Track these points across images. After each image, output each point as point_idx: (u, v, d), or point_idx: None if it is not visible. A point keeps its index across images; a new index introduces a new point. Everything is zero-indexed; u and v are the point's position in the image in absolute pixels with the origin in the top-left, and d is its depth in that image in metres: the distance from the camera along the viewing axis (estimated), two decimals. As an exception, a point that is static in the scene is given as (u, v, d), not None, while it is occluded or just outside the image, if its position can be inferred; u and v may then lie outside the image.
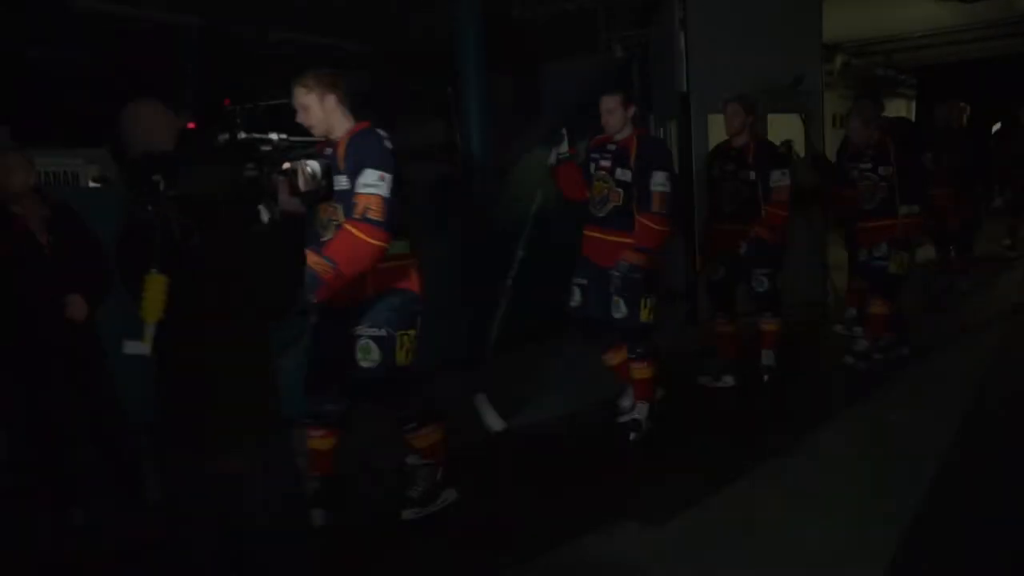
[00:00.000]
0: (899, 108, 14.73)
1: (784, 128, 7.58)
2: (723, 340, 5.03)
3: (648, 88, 7.97)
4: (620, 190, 4.10)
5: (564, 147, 4.26)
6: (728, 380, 4.95)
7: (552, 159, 4.32)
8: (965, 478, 3.45)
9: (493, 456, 4.08)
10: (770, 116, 6.96)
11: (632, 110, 4.15)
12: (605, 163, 4.17)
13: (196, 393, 1.93)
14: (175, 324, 1.83)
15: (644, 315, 4.05)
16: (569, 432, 4.42)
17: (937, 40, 11.80)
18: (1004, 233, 8.73)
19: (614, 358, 4.37)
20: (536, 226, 4.75)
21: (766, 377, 4.94)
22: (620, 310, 4.06)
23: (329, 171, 2.34)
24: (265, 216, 1.93)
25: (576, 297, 4.25)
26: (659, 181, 3.97)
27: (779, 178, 4.68)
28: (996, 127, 8.62)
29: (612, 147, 4.17)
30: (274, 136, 2.14)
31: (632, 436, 4.15)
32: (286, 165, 2.15)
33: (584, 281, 4.23)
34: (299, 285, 2.19)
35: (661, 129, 7.80)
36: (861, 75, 13.46)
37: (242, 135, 2.06)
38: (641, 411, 4.21)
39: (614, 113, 4.09)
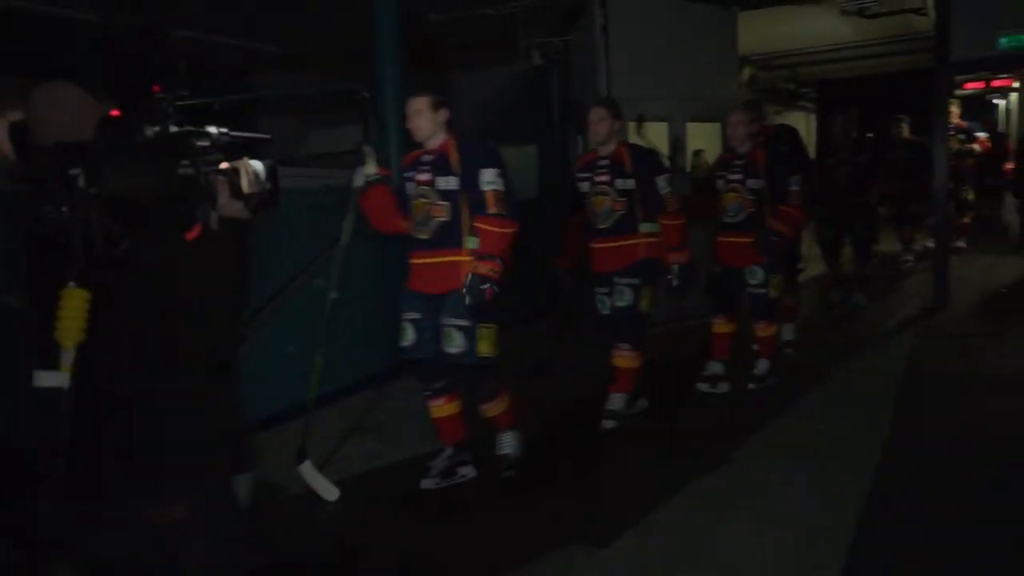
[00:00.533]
0: (798, 120, 15.25)
1: (703, 137, 7.72)
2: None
3: (568, 95, 7.92)
4: (445, 203, 3.53)
5: (371, 167, 3.62)
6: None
7: (358, 182, 3.65)
8: (903, 484, 3.46)
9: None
10: (689, 125, 7.06)
11: (444, 113, 3.57)
12: (423, 176, 3.58)
13: (123, 430, 1.64)
14: (98, 348, 1.54)
15: (483, 348, 3.51)
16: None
17: (839, 55, 12.26)
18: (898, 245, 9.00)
19: (444, 408, 3.75)
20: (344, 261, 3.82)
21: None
22: (454, 343, 3.50)
23: (275, 172, 2.10)
24: (213, 222, 1.67)
25: (409, 335, 3.63)
26: (488, 179, 3.47)
27: (664, 186, 4.25)
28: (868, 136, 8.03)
29: (428, 158, 3.60)
30: (213, 130, 1.86)
31: (506, 474, 3.80)
32: (224, 164, 1.89)
33: (416, 316, 3.62)
34: (245, 301, 1.93)
35: (580, 137, 7.77)
36: (767, 87, 13.90)
37: (174, 128, 1.80)
38: (509, 444, 3.86)
39: (422, 115, 3.54)
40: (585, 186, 4.38)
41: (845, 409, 4.51)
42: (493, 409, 3.77)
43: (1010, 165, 10.05)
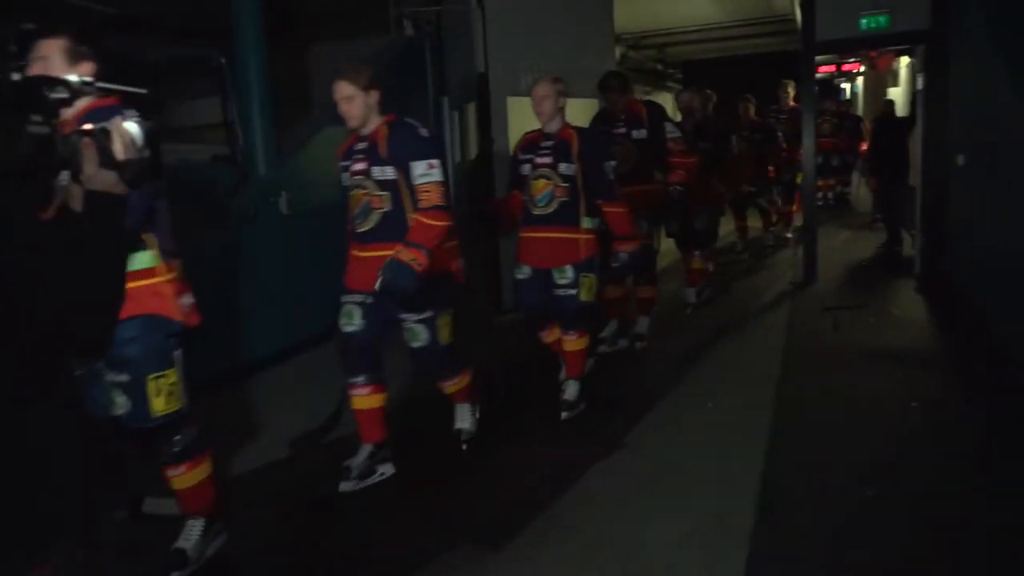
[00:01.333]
0: (666, 100, 15.59)
1: (582, 115, 7.59)
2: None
3: (442, 69, 7.61)
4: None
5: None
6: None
7: None
8: (795, 463, 3.44)
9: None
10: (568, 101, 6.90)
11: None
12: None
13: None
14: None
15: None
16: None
17: (705, 36, 12.58)
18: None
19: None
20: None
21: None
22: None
23: (156, 138, 1.71)
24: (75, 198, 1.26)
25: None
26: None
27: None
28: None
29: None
30: (73, 77, 1.44)
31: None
32: (88, 126, 1.47)
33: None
34: (117, 303, 1.53)
35: (456, 113, 7.49)
36: (636, 67, 14.08)
37: (18, 76, 1.37)
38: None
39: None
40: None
41: (732, 385, 4.51)
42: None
43: (865, 145, 10.57)
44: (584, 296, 4.00)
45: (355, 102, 3.26)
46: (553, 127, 4.05)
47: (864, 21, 6.45)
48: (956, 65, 6.17)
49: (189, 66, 5.58)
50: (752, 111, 8.65)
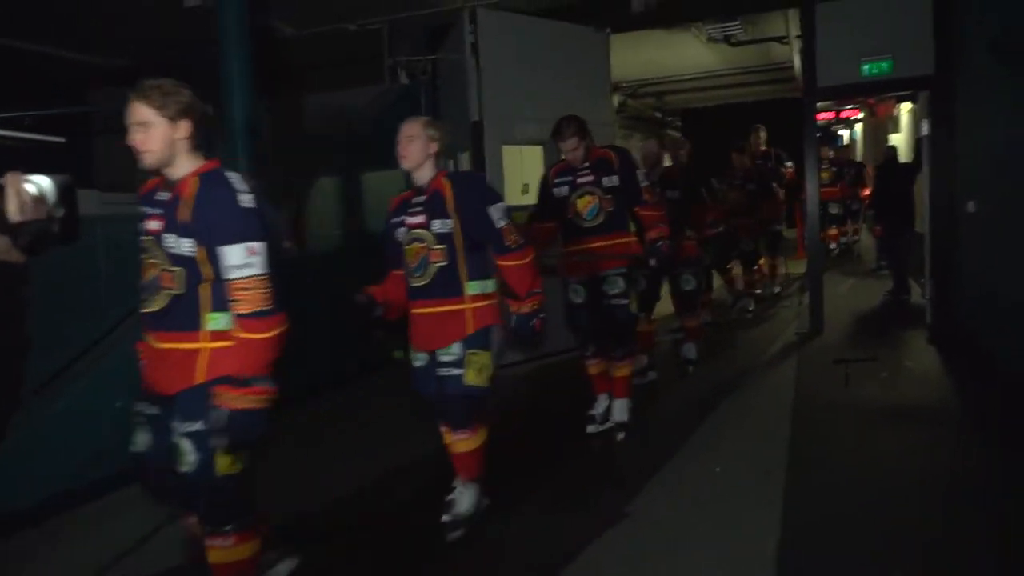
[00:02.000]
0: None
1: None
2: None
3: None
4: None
5: None
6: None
7: None
8: (811, 531, 3.17)
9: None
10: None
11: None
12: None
13: None
14: None
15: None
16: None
17: (703, 84, 12.52)
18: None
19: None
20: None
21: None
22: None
23: (71, 192, 1.49)
24: None
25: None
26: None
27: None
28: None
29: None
30: None
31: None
32: None
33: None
34: (19, 364, 1.31)
35: (451, 162, 7.35)
36: (635, 115, 14.06)
37: None
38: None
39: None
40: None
41: (740, 446, 4.25)
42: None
43: (867, 191, 10.43)
44: (472, 379, 3.20)
45: (152, 132, 2.37)
46: (423, 177, 3.25)
47: (866, 67, 6.34)
48: (963, 110, 6.03)
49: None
50: (746, 160, 8.23)
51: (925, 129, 6.38)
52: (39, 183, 1.44)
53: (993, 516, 3.22)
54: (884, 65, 6.30)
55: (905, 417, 4.50)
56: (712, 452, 4.17)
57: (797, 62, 9.91)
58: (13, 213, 1.38)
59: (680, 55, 10.37)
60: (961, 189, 6.05)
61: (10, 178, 1.36)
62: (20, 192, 1.40)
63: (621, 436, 4.47)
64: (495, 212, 3.20)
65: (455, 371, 3.22)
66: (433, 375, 3.30)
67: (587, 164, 4.39)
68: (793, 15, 7.89)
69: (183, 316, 2.42)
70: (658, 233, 4.41)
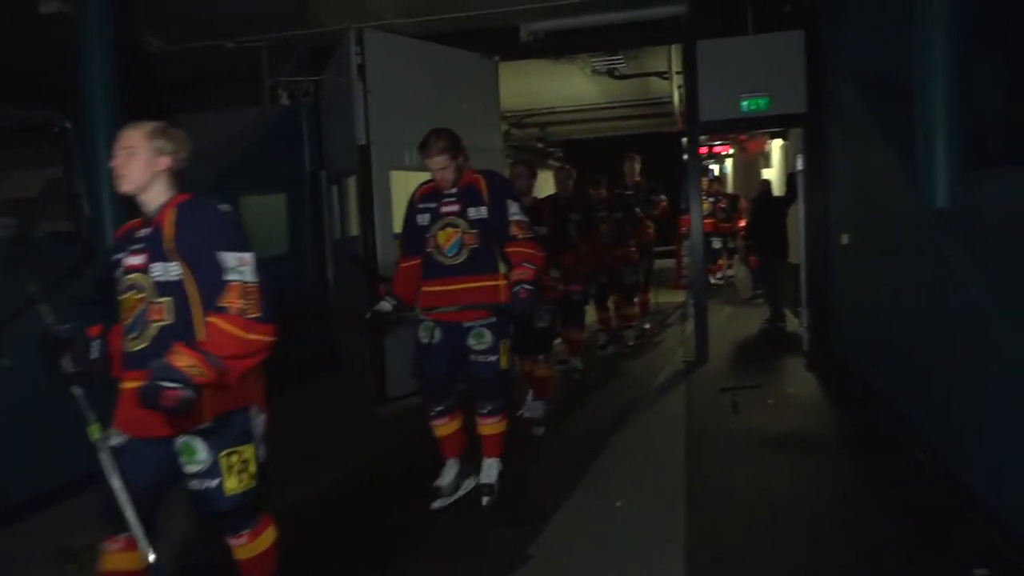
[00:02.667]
0: (548, 178, 15.78)
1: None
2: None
3: (320, 141, 7.22)
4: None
5: None
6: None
7: None
8: (714, 564, 3.11)
9: None
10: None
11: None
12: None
13: None
14: None
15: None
16: None
17: (584, 116, 12.79)
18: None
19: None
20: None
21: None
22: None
23: None
24: None
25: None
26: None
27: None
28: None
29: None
30: None
31: None
32: None
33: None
34: None
35: (335, 187, 7.08)
36: (519, 145, 14.17)
37: None
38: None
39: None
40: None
41: (637, 478, 4.19)
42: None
43: (742, 222, 10.85)
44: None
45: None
46: (150, 203, 2.45)
47: (745, 103, 6.56)
48: (834, 146, 6.33)
49: (27, 131, 4.94)
50: (602, 191, 7.71)
51: (800, 164, 6.66)
52: None
53: (892, 541, 3.27)
54: (762, 102, 6.54)
55: (793, 445, 4.58)
56: (610, 486, 4.09)
57: (676, 97, 10.26)
58: None
59: (565, 86, 10.52)
60: (833, 221, 6.34)
61: None
62: None
63: (486, 501, 3.86)
64: (228, 259, 2.33)
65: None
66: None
67: (455, 190, 3.80)
68: (675, 51, 8.12)
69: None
70: (519, 275, 3.65)
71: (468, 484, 4.02)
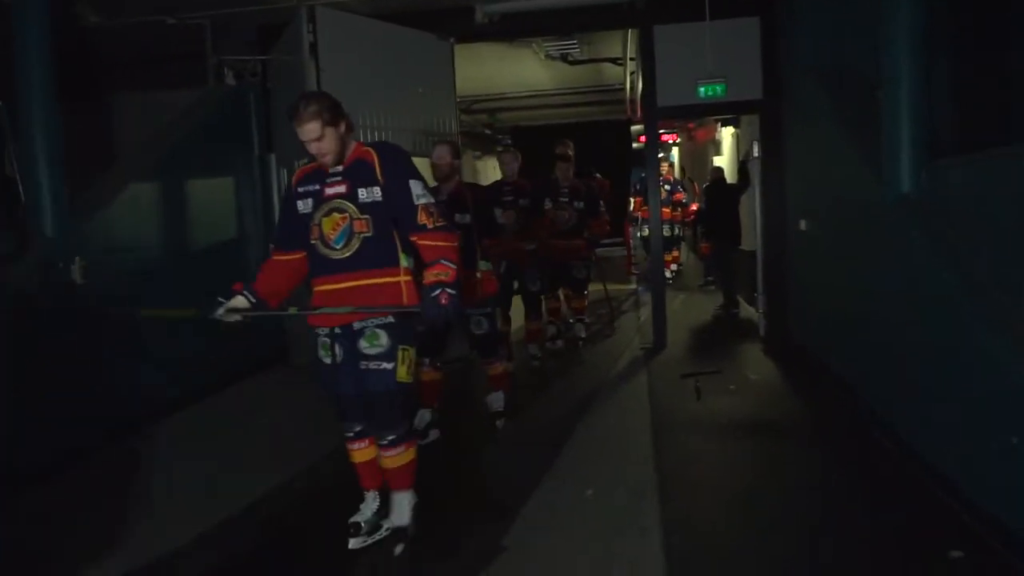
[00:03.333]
0: (495, 165, 15.68)
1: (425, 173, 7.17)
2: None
3: (268, 124, 6.95)
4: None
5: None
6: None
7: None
8: (693, 557, 3.07)
9: None
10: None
11: None
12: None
13: None
14: None
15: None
16: None
17: (535, 102, 12.69)
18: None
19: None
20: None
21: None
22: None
23: None
24: None
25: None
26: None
27: None
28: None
29: (339, 168, 3.16)
30: None
31: None
32: None
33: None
34: None
35: (285, 171, 6.83)
36: (467, 131, 13.99)
37: None
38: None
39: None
40: None
41: (607, 468, 4.12)
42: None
43: (694, 207, 10.91)
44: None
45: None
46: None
47: (702, 89, 6.53)
48: (789, 133, 6.36)
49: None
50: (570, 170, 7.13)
51: (756, 151, 6.68)
52: None
53: (865, 528, 3.27)
54: (718, 88, 6.53)
55: (759, 431, 4.58)
56: (581, 476, 4.01)
57: (628, 84, 10.24)
58: None
59: (517, 71, 10.40)
60: (790, 207, 6.38)
61: None
62: None
63: (399, 549, 3.24)
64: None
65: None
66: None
67: (340, 168, 3.19)
68: (632, 37, 8.07)
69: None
70: (437, 276, 3.09)
71: (391, 522, 3.37)
